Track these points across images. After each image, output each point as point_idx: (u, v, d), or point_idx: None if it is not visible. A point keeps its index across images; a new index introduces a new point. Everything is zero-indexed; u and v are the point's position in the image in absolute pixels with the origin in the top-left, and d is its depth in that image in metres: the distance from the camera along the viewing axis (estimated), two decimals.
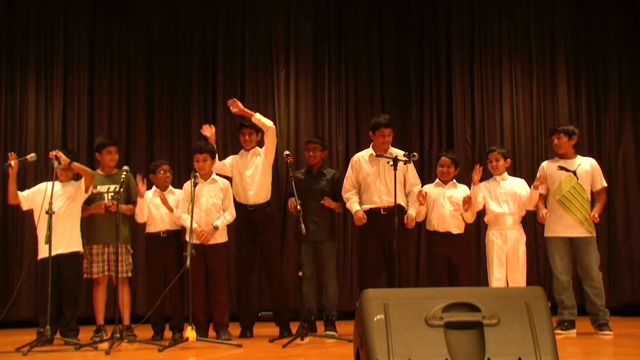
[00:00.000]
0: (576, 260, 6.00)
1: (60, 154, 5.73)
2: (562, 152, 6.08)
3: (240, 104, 6.09)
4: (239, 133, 6.24)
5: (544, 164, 6.19)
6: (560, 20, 8.48)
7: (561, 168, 6.02)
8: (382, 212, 5.82)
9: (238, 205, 6.07)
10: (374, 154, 5.92)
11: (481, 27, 8.44)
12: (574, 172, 5.98)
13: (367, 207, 5.89)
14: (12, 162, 5.65)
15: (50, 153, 5.76)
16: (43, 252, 5.60)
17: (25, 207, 5.96)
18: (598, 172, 6.09)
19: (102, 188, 6.04)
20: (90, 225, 6.02)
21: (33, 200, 5.87)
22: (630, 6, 8.45)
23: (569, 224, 5.93)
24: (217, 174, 6.06)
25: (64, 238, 5.65)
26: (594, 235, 5.99)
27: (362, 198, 5.96)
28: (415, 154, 5.85)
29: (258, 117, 6.05)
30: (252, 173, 6.06)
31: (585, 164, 6.06)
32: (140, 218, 6.09)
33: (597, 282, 5.91)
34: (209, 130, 6.22)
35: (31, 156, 5.70)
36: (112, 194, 5.94)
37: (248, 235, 6.08)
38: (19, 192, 5.90)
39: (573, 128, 6.19)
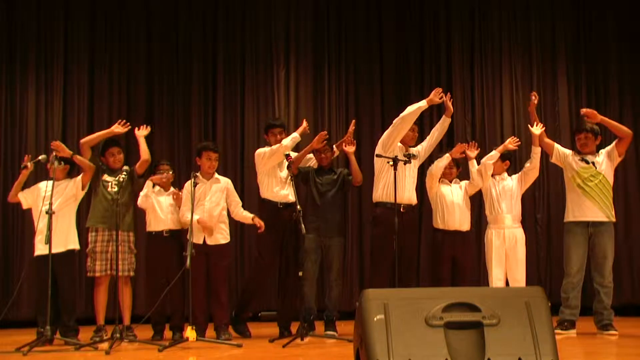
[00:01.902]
0: (591, 251, 5.93)
1: (63, 147, 5.80)
2: (588, 151, 6.04)
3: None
4: (267, 134, 6.20)
5: (567, 151, 6.13)
6: (560, 20, 8.49)
7: (582, 159, 6.01)
8: (401, 209, 5.75)
9: (267, 202, 6.04)
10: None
11: (481, 27, 8.45)
12: (593, 163, 5.96)
13: (386, 202, 5.84)
14: (29, 164, 5.73)
15: (53, 143, 5.84)
16: (38, 250, 5.67)
17: (25, 205, 6.00)
18: (609, 147, 6.08)
19: (107, 177, 6.07)
20: (94, 211, 6.03)
21: (33, 199, 5.90)
22: (630, 6, 8.46)
23: (590, 208, 5.89)
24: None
25: (60, 237, 5.64)
26: (613, 221, 5.94)
27: (377, 194, 5.91)
28: (415, 154, 5.87)
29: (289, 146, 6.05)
30: (286, 175, 6.04)
31: (602, 153, 6.05)
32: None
33: (608, 280, 5.89)
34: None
35: (42, 157, 5.71)
36: (116, 181, 5.97)
37: (275, 233, 6.00)
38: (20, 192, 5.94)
39: (598, 127, 6.14)
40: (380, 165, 5.87)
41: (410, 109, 5.81)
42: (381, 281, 5.79)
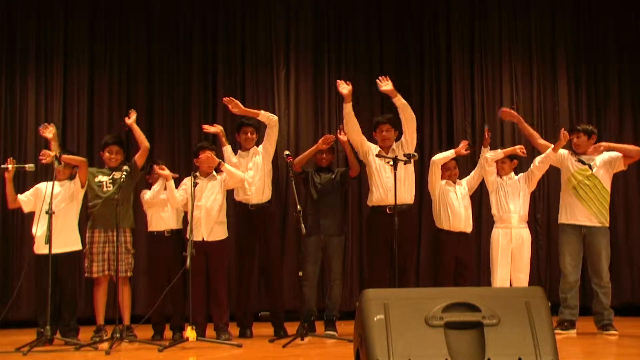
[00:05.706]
0: (586, 253, 5.95)
1: (46, 152, 5.73)
2: (581, 151, 6.06)
3: (241, 105, 6.10)
4: (239, 132, 6.24)
5: (564, 152, 6.15)
6: (560, 20, 8.50)
7: (578, 160, 6.02)
8: (387, 210, 5.81)
9: (239, 205, 6.09)
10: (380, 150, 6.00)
11: (481, 27, 8.45)
12: (589, 165, 5.96)
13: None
14: (10, 166, 5.65)
15: (41, 156, 5.75)
16: (40, 248, 5.60)
17: (26, 209, 5.95)
18: (614, 155, 6.05)
19: (102, 177, 6.04)
20: (92, 211, 6.01)
21: (34, 201, 5.86)
22: (630, 6, 8.46)
23: (583, 212, 5.90)
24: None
25: (62, 237, 5.64)
26: (607, 226, 5.95)
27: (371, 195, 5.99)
28: (415, 154, 5.87)
29: (264, 114, 6.08)
30: (253, 174, 6.06)
31: (603, 156, 6.03)
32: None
33: (605, 280, 5.90)
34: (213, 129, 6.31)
35: (29, 166, 5.62)
36: (110, 180, 5.95)
37: (249, 235, 6.08)
38: (19, 195, 5.89)
39: (592, 128, 6.18)
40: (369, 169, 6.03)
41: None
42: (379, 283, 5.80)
